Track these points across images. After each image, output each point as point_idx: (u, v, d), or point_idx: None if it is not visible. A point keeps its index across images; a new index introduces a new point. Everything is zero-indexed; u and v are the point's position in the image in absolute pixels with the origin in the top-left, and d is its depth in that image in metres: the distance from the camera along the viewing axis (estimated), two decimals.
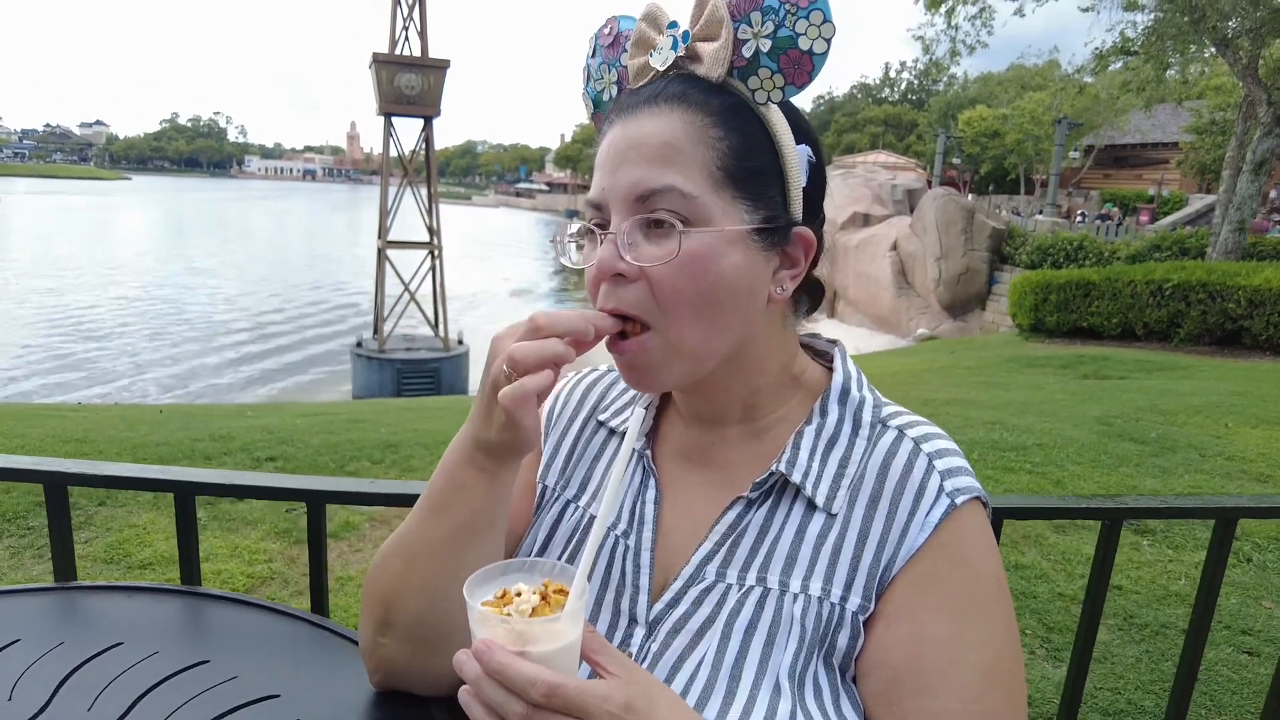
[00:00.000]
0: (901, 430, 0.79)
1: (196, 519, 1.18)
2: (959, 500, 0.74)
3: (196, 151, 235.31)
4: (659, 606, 0.77)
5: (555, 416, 0.95)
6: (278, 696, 0.89)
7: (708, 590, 0.76)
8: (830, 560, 0.74)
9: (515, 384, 0.68)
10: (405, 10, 17.06)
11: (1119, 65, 16.05)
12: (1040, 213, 23.45)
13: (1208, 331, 10.90)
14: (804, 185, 0.76)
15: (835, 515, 0.75)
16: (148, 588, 1.13)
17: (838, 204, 22.28)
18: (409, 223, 18.45)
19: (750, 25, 0.70)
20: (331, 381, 17.59)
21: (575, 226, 0.78)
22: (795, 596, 0.73)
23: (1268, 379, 8.17)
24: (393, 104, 16.87)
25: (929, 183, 27.13)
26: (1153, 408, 6.19)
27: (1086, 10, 15.01)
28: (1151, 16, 14.24)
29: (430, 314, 17.76)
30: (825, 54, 0.70)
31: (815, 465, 0.77)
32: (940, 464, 0.76)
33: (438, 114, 17.28)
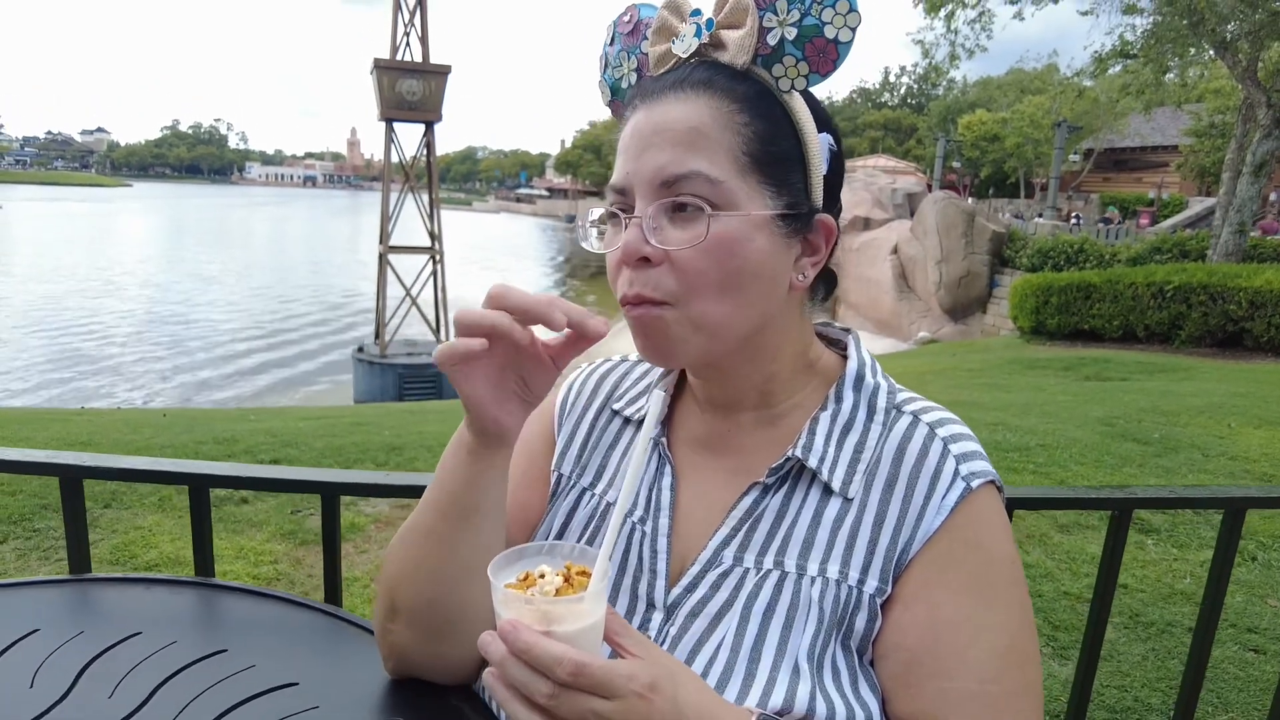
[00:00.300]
0: (916, 415, 0.79)
1: (211, 512, 1.19)
2: (974, 484, 0.75)
3: (197, 158, 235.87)
4: (677, 591, 0.77)
5: (570, 405, 0.95)
6: (296, 685, 0.90)
7: (725, 574, 0.76)
8: (847, 544, 0.75)
9: (444, 343, 0.67)
10: (406, 16, 17.11)
11: (1118, 68, 16.08)
12: (1040, 215, 23.48)
13: (1209, 333, 10.90)
14: (824, 173, 0.77)
15: (852, 500, 0.76)
16: (164, 579, 1.13)
17: None
18: (410, 228, 18.49)
19: (775, 13, 0.70)
20: (333, 386, 17.60)
21: (597, 212, 0.78)
22: (813, 579, 0.74)
23: (1269, 380, 8.17)
24: (394, 109, 16.91)
25: (929, 186, 27.16)
26: (1155, 409, 6.19)
27: (1085, 14, 15.04)
28: (1150, 20, 14.27)
29: (432, 319, 17.78)
30: (850, 43, 0.70)
31: (831, 450, 0.78)
32: (955, 448, 0.77)
33: (439, 119, 17.32)
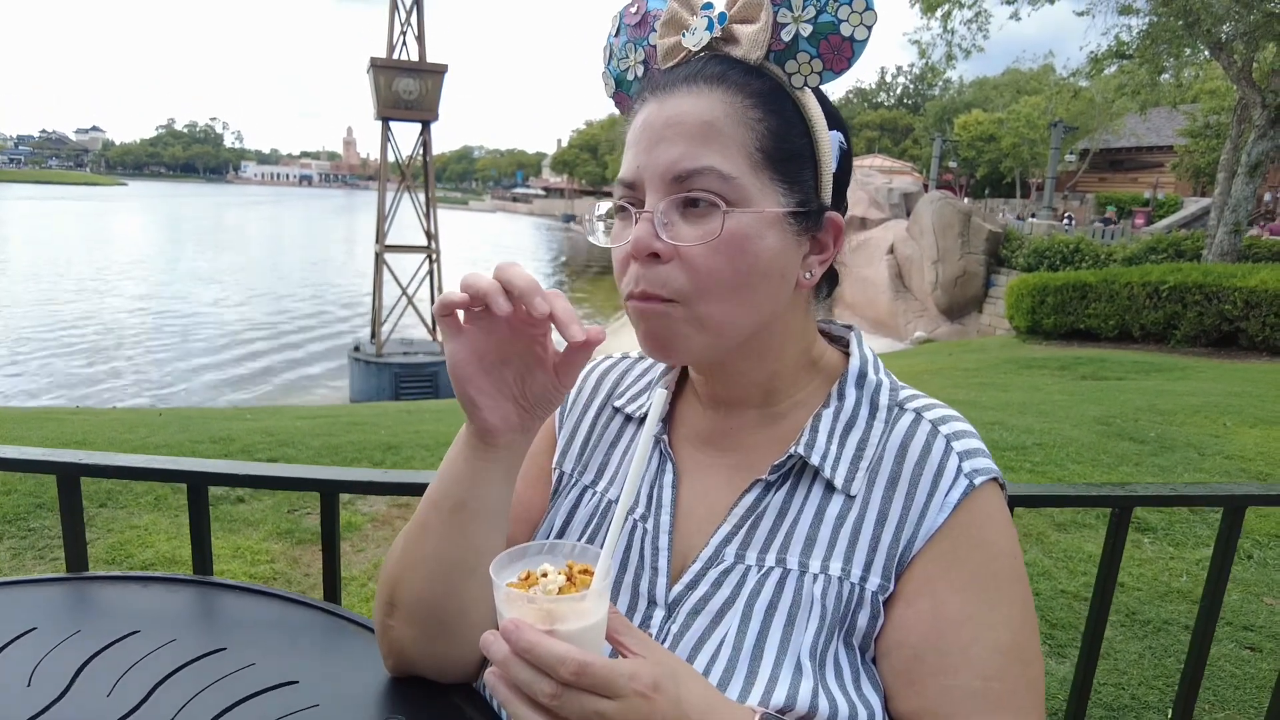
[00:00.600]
0: (919, 413, 0.79)
1: (209, 510, 1.19)
2: (977, 481, 0.74)
3: (193, 157, 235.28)
4: (678, 588, 0.77)
5: (571, 403, 0.95)
6: (295, 683, 0.89)
7: (727, 572, 0.76)
8: (850, 541, 0.74)
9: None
10: (403, 15, 17.09)
11: (1114, 69, 16.13)
12: (1033, 215, 23.53)
13: (1204, 333, 10.93)
14: (834, 171, 0.76)
15: (854, 497, 0.76)
16: (161, 578, 1.13)
17: None
18: (407, 228, 18.46)
19: (790, 9, 0.70)
20: (328, 385, 17.57)
21: (605, 206, 0.78)
22: (815, 577, 0.73)
23: (1265, 379, 8.20)
24: (390, 109, 16.89)
25: (925, 186, 27.19)
26: (1151, 408, 6.20)
27: (1082, 14, 15.10)
28: (1146, 20, 14.32)
29: (428, 318, 17.75)
30: (865, 41, 0.70)
31: (834, 447, 0.77)
32: (958, 445, 0.76)
33: (435, 118, 17.31)
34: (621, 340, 0.80)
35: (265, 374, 18.33)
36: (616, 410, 0.92)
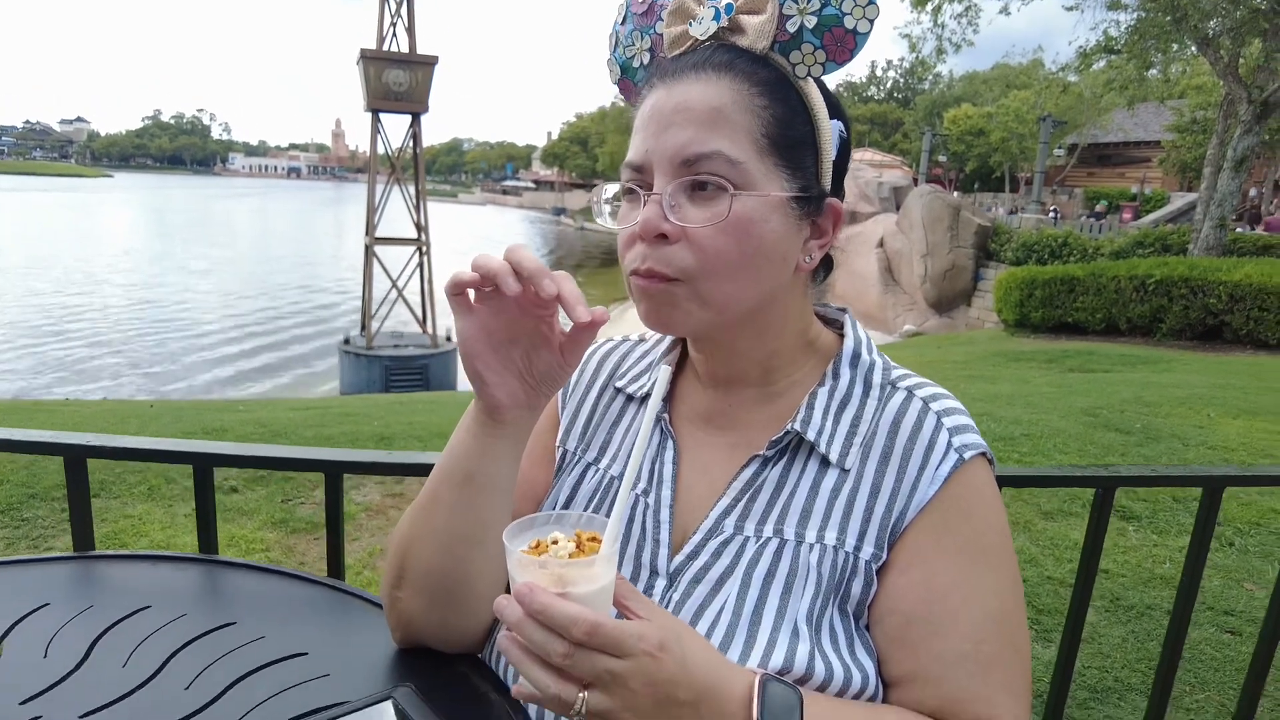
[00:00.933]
0: (911, 391, 0.82)
1: (214, 490, 1.21)
2: (967, 455, 0.77)
3: (180, 149, 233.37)
4: (679, 559, 0.80)
5: (573, 384, 0.98)
6: (305, 654, 0.92)
7: (726, 542, 0.79)
8: (844, 512, 0.77)
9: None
10: (393, 7, 17.01)
11: (1102, 64, 16.22)
12: (1023, 210, 23.66)
13: (1189, 326, 11.05)
14: (833, 158, 0.79)
15: (848, 470, 0.79)
16: (169, 556, 1.15)
17: None
18: (396, 220, 18.39)
19: (795, 1, 0.72)
20: (319, 378, 17.52)
21: (612, 189, 0.80)
22: (811, 546, 0.76)
23: (1248, 371, 8.31)
24: (381, 100, 16.82)
25: (915, 180, 27.28)
26: (1137, 399, 6.28)
27: (1071, 9, 15.16)
28: (1134, 16, 14.41)
29: (418, 311, 17.72)
30: (868, 34, 0.73)
31: (829, 424, 0.80)
32: (948, 421, 0.79)
33: (425, 110, 17.25)
34: (622, 327, 0.83)
35: (256, 366, 18.25)
36: (618, 391, 0.95)
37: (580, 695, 0.59)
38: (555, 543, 0.64)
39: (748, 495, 0.80)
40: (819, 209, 0.78)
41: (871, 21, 0.72)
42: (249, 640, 0.94)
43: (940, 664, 0.73)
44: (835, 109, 0.80)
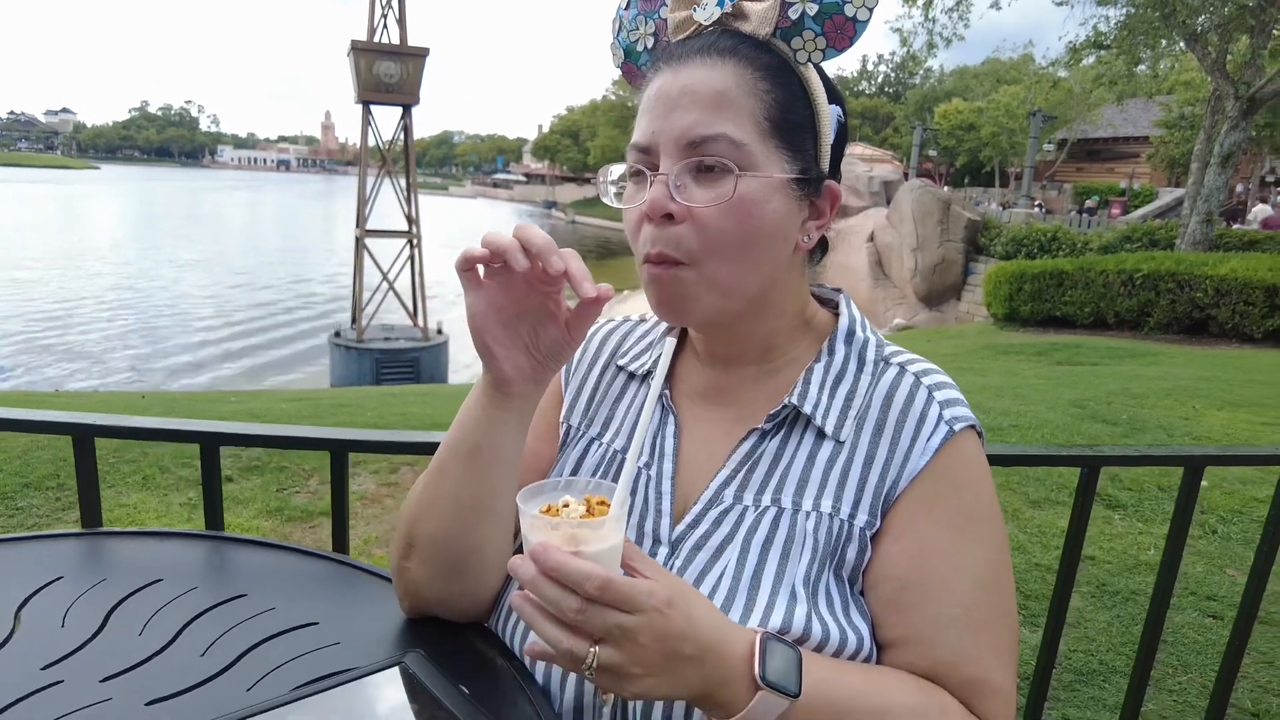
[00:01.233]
0: (903, 366, 0.85)
1: (221, 469, 1.23)
2: (957, 427, 0.81)
3: (168, 141, 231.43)
4: (681, 527, 0.83)
5: (576, 362, 1.01)
6: (316, 624, 0.94)
7: (726, 511, 0.82)
8: (839, 482, 0.81)
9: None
10: None
11: (1092, 59, 16.30)
12: (1007, 204, 23.77)
13: (1176, 320, 11.17)
14: (831, 142, 0.82)
15: (843, 442, 0.82)
16: (177, 533, 1.17)
17: None
18: (386, 213, 18.34)
19: None
20: (310, 370, 17.47)
21: (618, 170, 0.83)
22: (808, 514, 0.80)
23: (1232, 364, 8.41)
24: (371, 92, 16.77)
25: (905, 175, 27.36)
26: (1124, 392, 6.36)
27: (1061, 4, 15.24)
28: (1124, 11, 14.48)
29: (409, 303, 17.69)
30: (867, 21, 0.76)
31: (824, 398, 0.84)
32: (939, 395, 0.83)
33: (416, 102, 17.20)
34: (622, 310, 0.86)
35: (246, 358, 18.19)
36: (620, 369, 0.98)
37: (591, 650, 0.61)
38: (566, 505, 0.67)
39: (746, 466, 0.83)
40: (818, 191, 0.81)
41: (870, 10, 0.75)
42: (260, 611, 0.97)
43: (932, 627, 0.77)
44: (833, 94, 0.82)
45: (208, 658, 0.87)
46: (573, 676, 0.79)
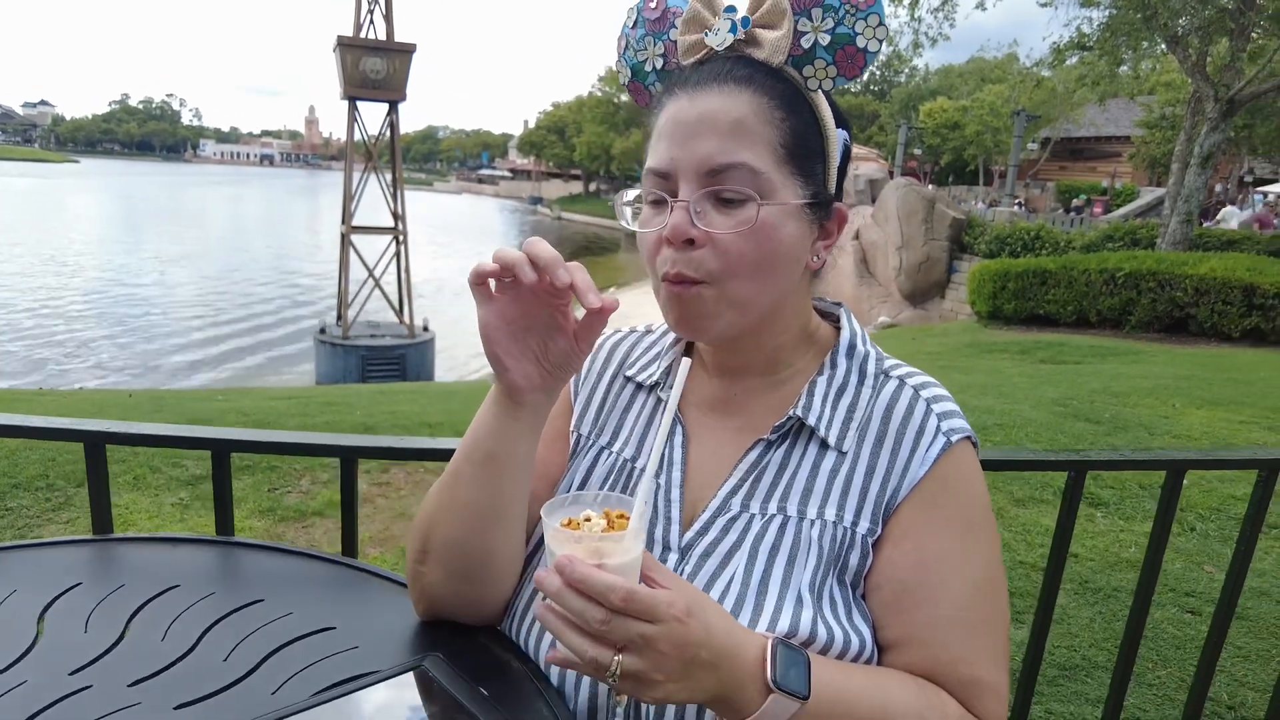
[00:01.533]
0: (902, 379, 0.89)
1: (231, 476, 1.25)
2: (954, 438, 0.85)
3: (149, 135, 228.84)
4: (689, 535, 0.86)
5: (585, 372, 1.04)
6: (334, 628, 0.97)
7: (733, 519, 0.85)
8: (842, 491, 0.84)
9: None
10: None
11: (1075, 60, 16.45)
12: (992, 203, 23.94)
13: (1157, 319, 11.32)
14: (838, 165, 0.85)
15: (846, 453, 0.86)
16: (188, 539, 1.20)
17: None
18: (371, 209, 18.24)
19: (810, 19, 0.78)
20: (295, 368, 17.37)
21: (633, 194, 0.86)
22: (812, 522, 0.83)
23: (1211, 363, 8.55)
24: (357, 88, 16.68)
25: (891, 173, 27.49)
26: (1106, 390, 6.46)
27: (1045, 5, 15.37)
28: (1106, 13, 14.63)
29: (395, 300, 17.62)
30: (877, 53, 0.79)
31: (827, 410, 0.87)
32: (937, 407, 0.86)
33: (403, 98, 17.12)
34: (631, 318, 0.89)
35: (231, 355, 18.06)
36: (628, 379, 1.01)
37: (615, 658, 0.65)
38: (588, 520, 0.71)
39: (753, 476, 0.87)
40: (828, 213, 0.85)
41: (881, 42, 0.78)
42: (278, 616, 0.99)
43: (932, 628, 0.80)
44: (840, 119, 0.85)
45: (231, 662, 0.89)
46: (587, 679, 0.82)
